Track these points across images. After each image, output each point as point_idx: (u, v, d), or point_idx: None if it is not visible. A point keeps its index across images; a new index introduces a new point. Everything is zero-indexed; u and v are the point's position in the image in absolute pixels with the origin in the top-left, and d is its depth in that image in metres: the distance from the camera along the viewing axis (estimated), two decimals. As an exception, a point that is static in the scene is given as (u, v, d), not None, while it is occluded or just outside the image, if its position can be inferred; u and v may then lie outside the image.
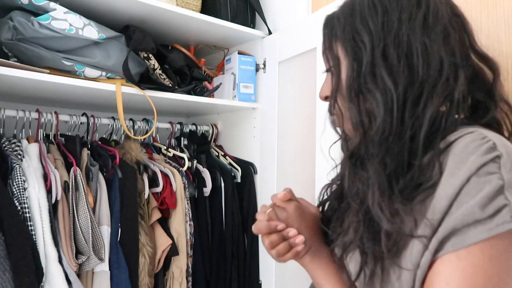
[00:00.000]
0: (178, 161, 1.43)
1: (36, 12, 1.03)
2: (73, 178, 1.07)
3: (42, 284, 0.95)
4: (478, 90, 0.54)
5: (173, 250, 1.24)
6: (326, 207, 0.71)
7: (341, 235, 0.58)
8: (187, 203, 1.31)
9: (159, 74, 1.30)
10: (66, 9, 1.05)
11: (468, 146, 0.47)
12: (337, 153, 0.69)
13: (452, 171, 0.47)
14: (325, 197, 0.72)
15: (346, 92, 0.56)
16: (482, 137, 0.47)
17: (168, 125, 1.53)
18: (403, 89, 0.51)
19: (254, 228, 0.63)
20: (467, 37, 0.55)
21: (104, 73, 1.16)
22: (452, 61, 0.52)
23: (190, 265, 1.29)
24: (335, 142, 0.66)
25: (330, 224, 0.66)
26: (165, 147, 1.47)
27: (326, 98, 0.64)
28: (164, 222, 1.29)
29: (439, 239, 0.46)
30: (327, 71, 0.64)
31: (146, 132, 1.43)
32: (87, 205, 1.06)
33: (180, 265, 1.25)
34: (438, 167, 0.48)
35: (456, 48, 0.52)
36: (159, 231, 1.25)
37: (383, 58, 0.52)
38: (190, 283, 1.28)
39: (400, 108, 0.51)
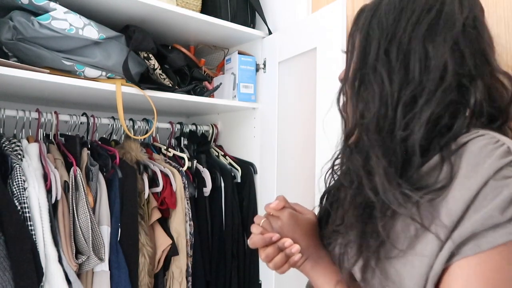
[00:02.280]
0: (178, 161, 1.43)
1: (36, 12, 1.03)
2: (73, 178, 1.08)
3: (42, 284, 0.95)
4: (490, 104, 0.54)
5: (173, 250, 1.24)
6: (327, 197, 0.72)
7: (341, 232, 0.59)
8: (187, 203, 1.31)
9: (159, 74, 1.30)
10: (66, 9, 1.05)
11: (482, 149, 0.47)
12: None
13: (467, 173, 0.46)
14: (330, 183, 0.72)
15: (350, 79, 0.59)
16: (496, 141, 0.47)
17: (168, 125, 1.53)
18: (398, 87, 0.53)
19: (250, 242, 0.63)
20: (485, 51, 0.54)
21: (104, 73, 1.16)
22: (460, 70, 0.52)
23: (190, 265, 1.29)
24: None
25: (329, 217, 0.67)
26: (165, 147, 1.47)
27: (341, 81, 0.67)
28: (164, 222, 1.29)
29: (456, 243, 0.45)
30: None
31: (146, 132, 1.43)
32: (87, 205, 1.06)
33: (180, 265, 1.25)
34: (449, 169, 0.48)
35: (468, 59, 0.52)
36: (159, 231, 1.25)
37: (385, 54, 0.54)
38: (190, 283, 1.28)
39: (394, 105, 0.52)
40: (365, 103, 0.55)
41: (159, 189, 1.27)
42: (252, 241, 0.62)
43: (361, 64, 0.57)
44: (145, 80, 1.26)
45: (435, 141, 0.51)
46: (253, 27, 1.50)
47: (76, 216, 1.05)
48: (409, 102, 0.52)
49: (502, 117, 0.54)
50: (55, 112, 1.24)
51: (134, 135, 1.37)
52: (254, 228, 0.64)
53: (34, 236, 0.95)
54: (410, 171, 0.51)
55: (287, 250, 0.61)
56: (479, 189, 0.45)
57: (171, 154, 1.46)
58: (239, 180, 1.49)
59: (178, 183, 1.30)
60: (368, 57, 0.56)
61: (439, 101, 0.51)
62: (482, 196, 0.45)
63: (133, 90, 1.19)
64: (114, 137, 1.40)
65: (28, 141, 1.12)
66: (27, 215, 0.96)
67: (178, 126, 1.56)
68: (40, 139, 1.21)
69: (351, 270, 0.56)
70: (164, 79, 1.31)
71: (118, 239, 1.12)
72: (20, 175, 0.98)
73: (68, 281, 0.99)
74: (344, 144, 0.60)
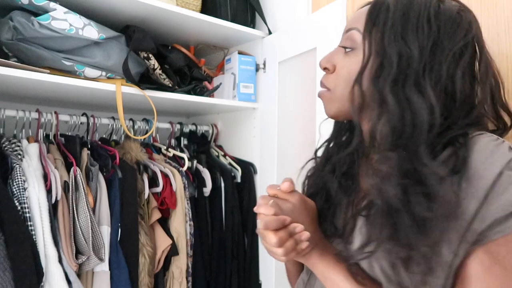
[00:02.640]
0: (178, 161, 1.43)
1: (36, 12, 1.04)
2: (73, 178, 1.08)
3: (42, 284, 0.95)
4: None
5: (173, 250, 1.24)
6: (309, 182, 0.71)
7: (353, 237, 0.58)
8: (187, 203, 1.31)
9: (159, 74, 1.30)
10: (66, 9, 1.05)
11: (489, 144, 0.51)
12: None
13: (481, 165, 0.50)
14: (311, 189, 0.71)
15: (384, 79, 0.56)
16: (496, 138, 0.52)
17: (168, 125, 1.53)
18: (442, 107, 0.55)
19: (261, 223, 0.55)
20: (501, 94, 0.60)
21: (104, 73, 1.16)
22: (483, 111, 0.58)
23: (190, 265, 1.29)
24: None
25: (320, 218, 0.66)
26: (165, 147, 1.47)
27: (325, 69, 0.66)
28: (164, 222, 1.29)
29: (478, 231, 0.48)
30: (346, 48, 0.63)
31: (146, 132, 1.43)
32: (87, 205, 1.06)
33: (180, 265, 1.25)
34: (462, 160, 0.51)
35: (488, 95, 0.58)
36: (159, 231, 1.25)
37: (428, 75, 0.55)
38: (190, 283, 1.28)
39: (438, 119, 0.53)
40: (409, 110, 0.54)
41: (159, 189, 1.27)
42: (266, 222, 0.54)
43: (397, 71, 0.55)
44: (145, 80, 1.26)
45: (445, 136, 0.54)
46: (253, 27, 1.50)
47: (76, 216, 1.04)
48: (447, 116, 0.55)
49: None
50: (55, 112, 1.24)
51: (134, 135, 1.37)
52: (265, 208, 0.56)
53: (34, 236, 0.95)
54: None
55: (296, 236, 0.56)
56: (495, 179, 0.48)
57: (171, 154, 1.46)
58: (239, 180, 1.49)
59: (178, 183, 1.30)
60: (405, 69, 0.55)
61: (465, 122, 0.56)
62: (499, 184, 0.48)
63: (133, 90, 1.19)
64: (114, 137, 1.40)
65: (28, 141, 1.13)
66: (27, 215, 0.96)
67: (178, 126, 1.56)
68: (40, 139, 1.21)
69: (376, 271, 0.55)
70: (164, 79, 1.31)
71: (118, 239, 1.12)
72: (20, 175, 0.98)
73: (68, 281, 0.99)
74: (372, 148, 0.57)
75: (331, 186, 0.67)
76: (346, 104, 0.61)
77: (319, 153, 0.77)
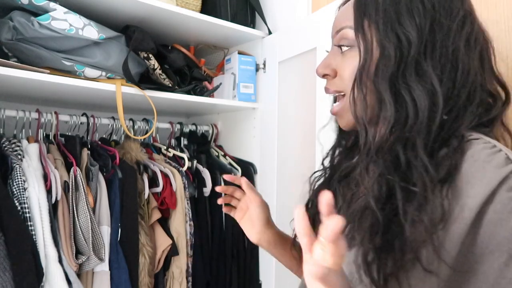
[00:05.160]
0: (178, 161, 1.43)
1: (36, 12, 1.03)
2: (73, 178, 1.08)
3: (42, 284, 0.95)
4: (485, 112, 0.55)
5: (173, 250, 1.24)
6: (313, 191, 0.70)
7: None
8: (187, 203, 1.31)
9: (159, 74, 1.30)
10: (66, 9, 1.05)
11: (482, 153, 0.46)
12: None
13: (471, 178, 0.45)
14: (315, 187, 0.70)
15: (382, 77, 0.53)
16: (492, 145, 0.47)
17: (168, 125, 1.53)
18: (446, 89, 0.51)
19: (329, 235, 0.39)
20: (493, 63, 0.56)
21: (104, 73, 1.16)
22: (483, 82, 0.54)
23: (190, 265, 1.29)
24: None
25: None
26: (165, 147, 1.47)
27: (325, 76, 0.62)
28: (164, 222, 1.29)
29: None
30: (343, 46, 0.59)
31: (146, 132, 1.43)
32: (87, 205, 1.06)
33: (180, 265, 1.25)
34: (453, 165, 0.47)
35: (488, 72, 0.54)
36: (159, 231, 1.25)
37: (430, 56, 0.52)
38: (190, 283, 1.28)
39: (441, 104, 0.50)
40: (409, 102, 0.51)
41: (159, 189, 1.27)
42: (334, 233, 0.38)
43: (396, 62, 0.52)
44: (145, 80, 1.26)
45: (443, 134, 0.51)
46: (253, 27, 1.50)
47: (76, 216, 1.05)
48: (453, 103, 0.52)
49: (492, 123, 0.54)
50: (55, 112, 1.24)
51: (134, 135, 1.37)
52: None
53: (34, 236, 0.95)
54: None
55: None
56: (486, 200, 0.43)
57: (171, 154, 1.46)
58: (239, 180, 1.49)
59: (178, 183, 1.30)
60: (404, 56, 0.52)
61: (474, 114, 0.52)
62: (490, 211, 0.42)
63: (133, 90, 1.19)
64: (114, 137, 1.40)
65: (28, 141, 1.12)
66: (27, 215, 0.96)
67: (178, 126, 1.56)
68: (40, 139, 1.21)
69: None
70: (164, 79, 1.31)
71: (118, 239, 1.12)
72: (20, 175, 0.98)
73: (68, 281, 0.99)
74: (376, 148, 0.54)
75: (339, 194, 0.65)
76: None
77: (326, 162, 0.74)
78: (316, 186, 0.71)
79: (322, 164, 0.73)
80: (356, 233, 0.52)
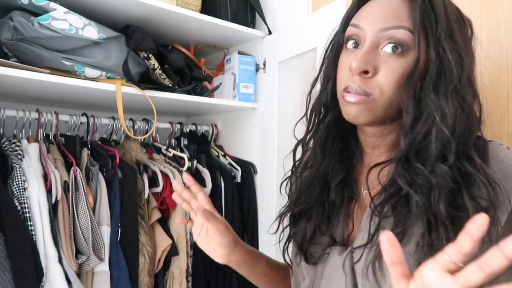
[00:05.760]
0: (178, 161, 1.43)
1: (36, 12, 1.04)
2: (73, 178, 1.08)
3: (42, 284, 0.95)
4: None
5: (173, 250, 1.24)
6: (299, 201, 0.67)
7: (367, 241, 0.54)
8: (187, 203, 1.31)
9: (159, 74, 1.30)
10: (66, 9, 1.05)
11: (501, 150, 0.52)
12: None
13: (502, 175, 0.50)
14: (302, 206, 0.67)
15: (435, 88, 0.53)
16: (506, 146, 0.53)
17: (168, 125, 1.53)
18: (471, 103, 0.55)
19: (390, 258, 0.38)
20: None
21: (104, 73, 1.16)
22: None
23: (190, 265, 1.29)
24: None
25: (300, 219, 0.65)
26: (165, 147, 1.47)
27: (364, 73, 0.54)
28: (164, 222, 1.29)
29: None
30: (398, 46, 0.54)
31: (146, 132, 1.43)
32: (87, 205, 1.06)
33: (180, 265, 1.25)
34: (480, 164, 0.51)
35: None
36: (159, 231, 1.25)
37: (467, 75, 0.55)
38: (190, 283, 1.28)
39: (476, 116, 0.55)
40: (464, 111, 0.53)
41: (159, 189, 1.27)
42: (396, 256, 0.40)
43: (460, 73, 0.53)
44: (145, 80, 1.26)
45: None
46: (253, 27, 1.50)
47: (76, 216, 1.05)
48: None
49: None
50: (55, 112, 1.24)
51: (134, 135, 1.37)
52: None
53: (34, 236, 0.95)
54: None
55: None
56: None
57: (171, 154, 1.46)
58: (239, 180, 1.49)
59: (178, 183, 1.30)
60: (463, 69, 0.53)
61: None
62: None
63: (133, 90, 1.19)
64: (114, 137, 1.40)
65: (28, 141, 1.12)
66: (27, 215, 0.96)
67: (178, 126, 1.56)
68: (40, 139, 1.21)
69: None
70: (164, 79, 1.31)
71: (118, 239, 1.13)
72: (20, 175, 0.98)
73: (68, 281, 0.99)
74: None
75: (327, 199, 0.64)
76: (389, 111, 0.55)
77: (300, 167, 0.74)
78: (310, 190, 0.67)
79: (296, 168, 0.72)
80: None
